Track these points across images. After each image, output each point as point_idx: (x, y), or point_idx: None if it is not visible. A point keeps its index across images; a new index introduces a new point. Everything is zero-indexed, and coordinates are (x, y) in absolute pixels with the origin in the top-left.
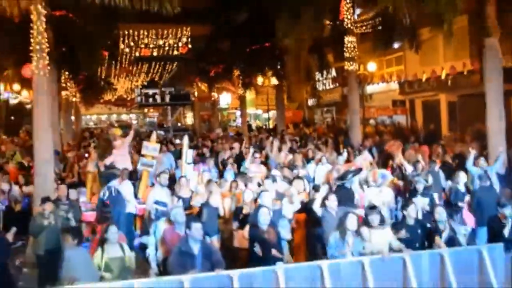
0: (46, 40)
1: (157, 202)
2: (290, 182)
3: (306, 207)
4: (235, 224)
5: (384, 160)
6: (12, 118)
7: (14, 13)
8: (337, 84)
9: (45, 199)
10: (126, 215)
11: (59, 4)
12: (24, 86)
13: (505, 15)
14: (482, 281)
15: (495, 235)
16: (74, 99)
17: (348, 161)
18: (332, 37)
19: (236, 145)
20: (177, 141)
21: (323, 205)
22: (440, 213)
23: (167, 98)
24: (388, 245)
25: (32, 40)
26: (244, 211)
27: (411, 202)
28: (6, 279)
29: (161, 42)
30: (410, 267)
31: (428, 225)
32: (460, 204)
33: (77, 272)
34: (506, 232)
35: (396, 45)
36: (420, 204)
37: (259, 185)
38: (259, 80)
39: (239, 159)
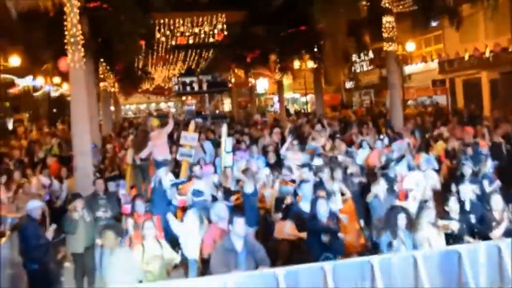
0: (81, 32)
1: (193, 193)
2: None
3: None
4: (277, 215)
5: (427, 143)
6: (54, 110)
7: (48, 6)
8: (375, 66)
9: (75, 196)
10: (168, 207)
11: None
12: (64, 79)
13: None
14: None
15: None
16: (112, 90)
17: (388, 146)
18: (369, 17)
19: (276, 131)
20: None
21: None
22: (497, 202)
23: (204, 86)
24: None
25: (66, 33)
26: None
27: (451, 194)
28: (46, 275)
29: (196, 30)
30: (466, 262)
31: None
32: None
33: (120, 272)
34: None
35: (434, 23)
36: (468, 192)
37: (289, 169)
38: (296, 64)
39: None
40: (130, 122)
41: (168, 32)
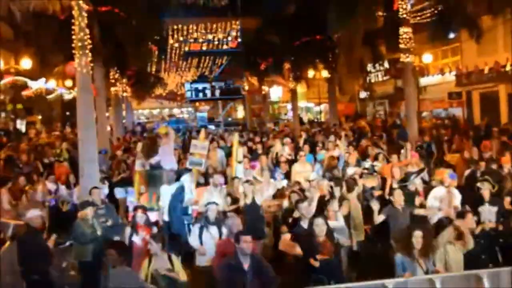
0: (89, 36)
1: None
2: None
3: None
4: (283, 228)
5: (442, 156)
6: (67, 113)
7: (56, 9)
8: (390, 76)
9: (85, 203)
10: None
11: None
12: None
13: None
14: None
15: None
16: (124, 94)
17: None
18: (385, 28)
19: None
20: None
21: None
22: None
23: (217, 93)
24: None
25: (74, 36)
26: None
27: (467, 212)
28: (48, 286)
29: (210, 36)
30: (487, 286)
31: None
32: None
33: None
34: None
35: (451, 35)
36: (487, 214)
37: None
38: (310, 73)
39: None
40: (143, 126)
41: (181, 38)
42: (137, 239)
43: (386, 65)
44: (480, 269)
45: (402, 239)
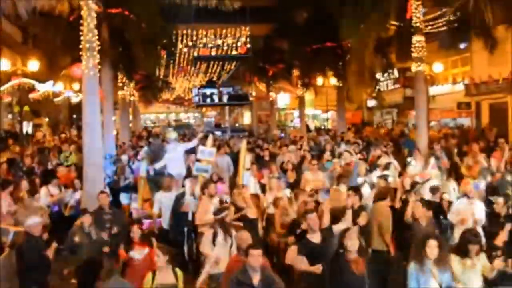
0: (97, 38)
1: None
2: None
3: None
4: (290, 239)
5: (455, 167)
6: (74, 116)
7: (64, 9)
8: (400, 85)
9: (83, 211)
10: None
11: (114, 1)
12: None
13: None
14: None
15: None
16: (132, 98)
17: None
18: (396, 36)
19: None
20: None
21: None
22: None
23: (225, 98)
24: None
25: (82, 38)
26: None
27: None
28: None
29: (219, 41)
30: None
31: None
32: None
33: None
34: None
35: (462, 46)
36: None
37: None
38: (319, 80)
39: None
40: (149, 131)
41: (190, 43)
42: (135, 254)
43: (396, 74)
44: None
45: (416, 248)
